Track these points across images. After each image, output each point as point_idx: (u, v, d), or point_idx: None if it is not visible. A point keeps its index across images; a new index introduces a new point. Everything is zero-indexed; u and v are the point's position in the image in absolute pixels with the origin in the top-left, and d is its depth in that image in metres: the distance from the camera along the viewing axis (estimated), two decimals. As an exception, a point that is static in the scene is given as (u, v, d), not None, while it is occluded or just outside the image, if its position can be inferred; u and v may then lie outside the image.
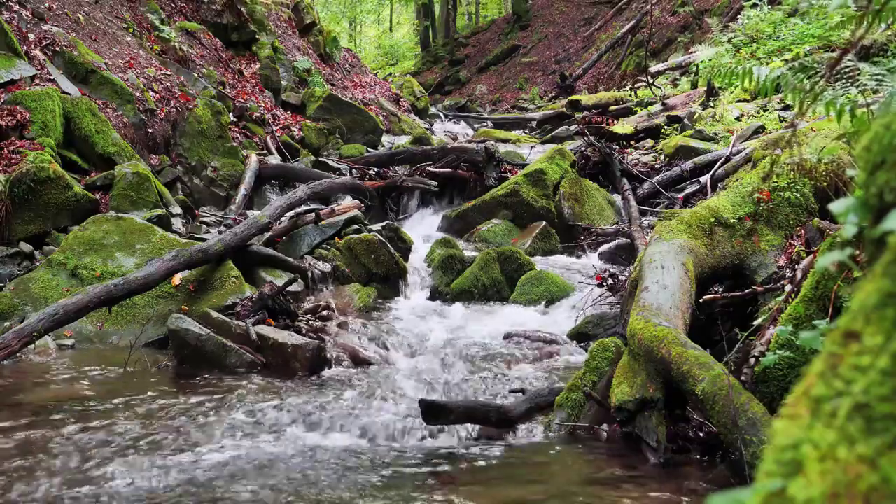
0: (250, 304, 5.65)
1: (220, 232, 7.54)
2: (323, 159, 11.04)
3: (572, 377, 4.06)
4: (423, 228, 9.18)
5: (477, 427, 3.92)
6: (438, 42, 35.04)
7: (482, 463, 3.55)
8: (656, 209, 8.66)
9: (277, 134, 11.68)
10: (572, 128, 14.09)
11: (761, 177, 5.08)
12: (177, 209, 7.98)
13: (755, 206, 4.98)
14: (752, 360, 3.53)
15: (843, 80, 3.93)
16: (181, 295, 6.00)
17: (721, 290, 4.90)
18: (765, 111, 10.62)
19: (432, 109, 21.29)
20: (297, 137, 12.07)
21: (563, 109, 15.69)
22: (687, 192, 8.77)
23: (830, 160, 4.98)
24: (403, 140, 13.42)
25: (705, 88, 12.86)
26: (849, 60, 3.96)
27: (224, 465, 3.42)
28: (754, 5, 15.88)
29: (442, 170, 9.87)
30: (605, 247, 8.10)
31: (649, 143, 11.74)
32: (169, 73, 10.18)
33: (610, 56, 24.50)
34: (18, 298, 5.83)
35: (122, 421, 3.99)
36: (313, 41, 16.37)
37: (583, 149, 10.14)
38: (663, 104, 13.24)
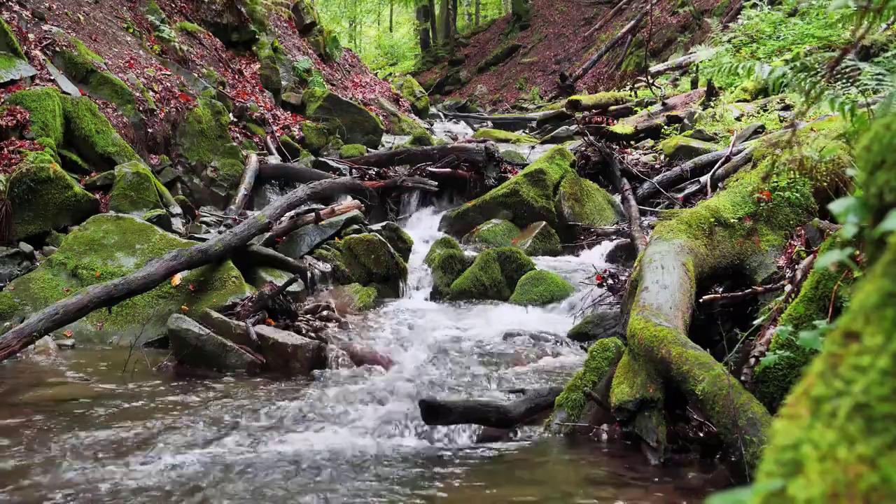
0: (250, 304, 5.64)
1: (220, 232, 7.54)
2: (323, 159, 11.04)
3: (572, 377, 4.05)
4: (423, 228, 9.17)
5: (477, 427, 3.91)
6: (438, 42, 35.05)
7: (482, 463, 3.55)
8: (656, 209, 8.66)
9: (277, 134, 11.68)
10: (572, 128, 14.09)
11: (761, 177, 5.08)
12: (177, 209, 7.98)
13: (755, 206, 4.98)
14: (752, 360, 3.53)
15: (844, 80, 3.93)
16: (181, 295, 6.00)
17: (721, 290, 4.90)
18: (765, 111, 10.62)
19: (432, 109, 21.30)
20: (297, 137, 12.08)
21: (563, 109, 15.68)
22: (687, 192, 8.76)
23: (830, 160, 4.98)
24: (403, 140, 13.42)
25: (705, 88, 12.87)
26: (849, 60, 3.96)
27: (223, 465, 3.42)
28: (754, 5, 15.89)
29: (442, 170, 9.86)
30: (605, 246, 8.10)
31: (649, 143, 11.75)
32: (169, 73, 10.19)
33: (610, 56, 24.51)
34: (18, 298, 5.83)
35: (122, 421, 3.99)
36: (313, 41, 16.38)
37: (583, 149, 10.13)
38: (663, 104, 13.24)
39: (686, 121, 11.81)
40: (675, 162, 9.69)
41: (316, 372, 4.98)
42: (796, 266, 4.22)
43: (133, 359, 5.03)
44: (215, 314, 5.43)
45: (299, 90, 13.69)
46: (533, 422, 3.97)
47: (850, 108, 3.75)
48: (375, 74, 21.15)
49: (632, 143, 12.03)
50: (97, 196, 7.27)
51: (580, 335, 5.66)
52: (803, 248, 4.49)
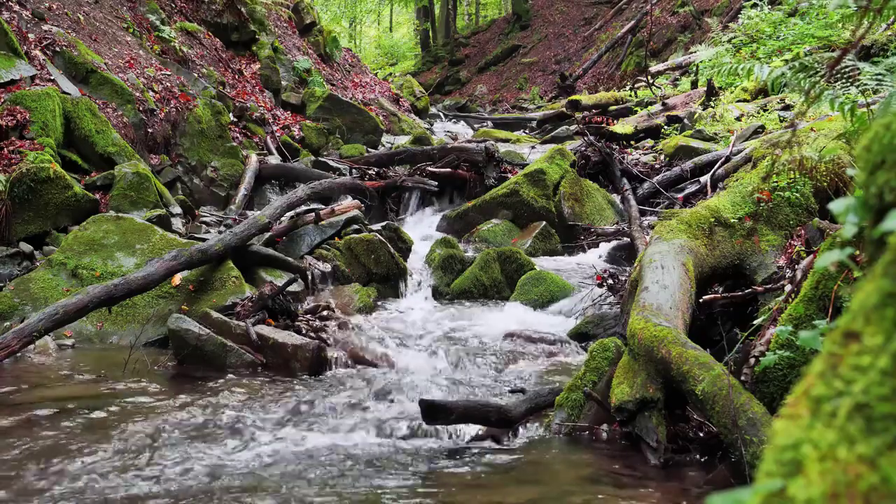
0: (250, 304, 5.64)
1: (220, 232, 7.54)
2: (323, 159, 11.04)
3: (572, 377, 4.06)
4: (423, 228, 9.17)
5: (477, 427, 3.92)
6: (438, 42, 35.05)
7: (482, 463, 3.55)
8: (656, 209, 8.66)
9: (277, 134, 11.68)
10: (572, 128, 14.09)
11: (761, 177, 5.08)
12: (177, 209, 7.98)
13: (755, 206, 4.98)
14: (752, 360, 3.53)
15: (844, 80, 3.93)
16: (181, 295, 6.00)
17: (721, 290, 4.90)
18: (765, 111, 10.62)
19: (432, 109, 21.29)
20: (297, 137, 12.08)
21: (563, 109, 15.68)
22: (687, 192, 8.76)
23: (830, 160, 4.98)
24: (403, 140, 13.42)
25: (705, 88, 12.87)
26: (849, 60, 3.96)
27: (222, 466, 3.42)
28: (754, 5, 15.89)
29: (442, 170, 9.86)
30: (605, 247, 8.10)
31: (649, 143, 11.75)
32: (169, 73, 10.19)
33: (610, 56, 24.51)
34: (18, 298, 5.83)
35: (122, 421, 3.99)
36: (313, 41, 16.38)
37: (583, 149, 10.13)
38: (663, 104, 13.24)
39: (686, 121, 11.81)
40: (675, 162, 9.69)
41: (316, 372, 4.98)
42: (796, 266, 4.22)
43: (133, 359, 5.03)
44: (215, 314, 5.43)
45: (299, 90, 13.69)
46: (533, 422, 3.97)
47: (850, 108, 3.75)
48: (375, 74, 21.14)
49: (632, 143, 12.03)
50: (97, 196, 7.26)
51: (580, 335, 5.66)
52: (803, 248, 4.49)
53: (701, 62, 14.44)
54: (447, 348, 5.46)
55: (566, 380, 4.29)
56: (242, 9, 13.38)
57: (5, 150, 7.03)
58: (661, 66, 18.06)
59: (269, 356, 5.11)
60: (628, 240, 7.70)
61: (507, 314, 6.43)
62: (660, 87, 15.98)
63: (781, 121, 9.66)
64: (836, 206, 0.93)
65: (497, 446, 3.77)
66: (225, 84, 11.65)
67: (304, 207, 7.76)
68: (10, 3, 8.75)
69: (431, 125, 17.98)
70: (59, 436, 3.76)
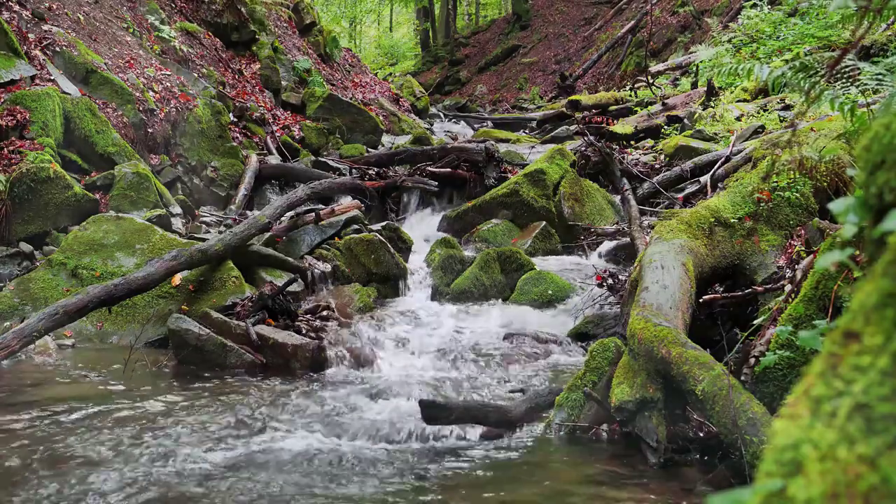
0: (250, 304, 5.64)
1: (220, 232, 7.54)
2: (323, 159, 11.04)
3: (572, 377, 4.06)
4: (423, 228, 9.17)
5: (477, 427, 3.92)
6: (438, 42, 35.05)
7: (482, 463, 3.55)
8: (656, 209, 8.66)
9: (277, 134, 11.68)
10: (572, 128, 14.09)
11: (761, 177, 5.08)
12: (177, 209, 7.98)
13: (755, 206, 4.98)
14: (752, 360, 3.53)
15: (844, 80, 3.94)
16: (181, 295, 6.00)
17: (721, 290, 4.90)
18: (765, 111, 10.62)
19: (432, 109, 21.29)
20: (297, 137, 12.08)
21: (563, 109, 15.68)
22: (687, 192, 8.76)
23: (830, 160, 4.98)
24: (403, 140, 13.42)
25: (705, 88, 12.87)
26: (849, 60, 3.96)
27: (222, 466, 3.42)
28: (754, 5, 15.89)
29: (442, 170, 9.86)
30: (605, 247, 8.10)
31: (649, 143, 11.74)
32: (169, 73, 10.18)
33: (610, 56, 24.51)
34: (18, 298, 5.83)
35: (122, 421, 3.99)
36: (313, 41, 16.38)
37: (583, 149, 10.13)
38: (663, 104, 13.24)
39: (686, 121, 11.81)
40: (675, 162, 9.68)
41: (316, 372, 4.98)
42: (796, 266, 4.22)
43: (133, 359, 5.03)
44: (215, 314, 5.43)
45: (299, 90, 13.69)
46: (533, 422, 3.97)
47: (850, 108, 3.75)
48: (375, 74, 21.15)
49: (632, 143, 12.03)
50: (97, 196, 7.26)
51: (580, 335, 5.66)
52: (803, 248, 4.49)
53: (701, 62, 14.44)
54: (447, 348, 5.46)
55: (566, 380, 4.29)
56: (242, 9, 13.38)
57: (5, 150, 7.03)
58: (661, 66, 18.05)
59: (269, 356, 5.11)
60: (628, 240, 7.70)
61: (506, 314, 6.42)
62: (660, 87, 15.98)
63: (781, 121, 9.66)
64: (836, 206, 0.93)
65: (497, 446, 3.77)
66: (225, 84, 11.65)
67: (304, 207, 7.76)
68: (10, 3, 8.75)
69: (431, 125, 17.98)
70: (59, 436, 3.76)
